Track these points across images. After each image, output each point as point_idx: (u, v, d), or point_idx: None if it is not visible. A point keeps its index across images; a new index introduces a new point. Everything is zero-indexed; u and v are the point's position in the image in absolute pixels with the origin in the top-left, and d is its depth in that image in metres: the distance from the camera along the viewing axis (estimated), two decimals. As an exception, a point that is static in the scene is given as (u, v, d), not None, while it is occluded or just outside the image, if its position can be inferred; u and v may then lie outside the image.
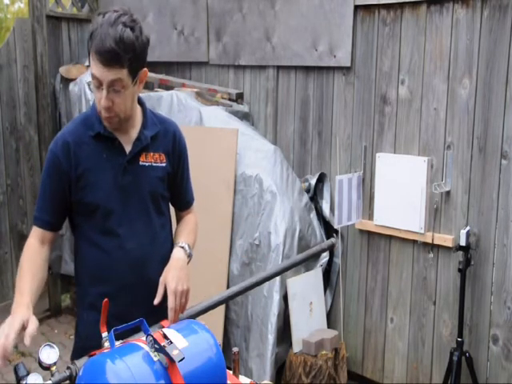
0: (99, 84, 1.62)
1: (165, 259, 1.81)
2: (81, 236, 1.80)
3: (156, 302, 1.65)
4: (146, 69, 1.71)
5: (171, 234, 1.94)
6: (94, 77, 1.63)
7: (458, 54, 2.91)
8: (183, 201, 2.02)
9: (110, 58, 1.57)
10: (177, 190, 1.95)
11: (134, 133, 1.78)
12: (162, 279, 1.69)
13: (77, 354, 1.64)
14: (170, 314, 1.65)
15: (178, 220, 2.03)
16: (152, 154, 1.81)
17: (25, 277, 1.68)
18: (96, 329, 1.47)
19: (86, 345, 1.50)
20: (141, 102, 1.83)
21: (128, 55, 1.59)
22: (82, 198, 1.73)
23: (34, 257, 1.72)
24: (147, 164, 1.79)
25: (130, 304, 1.74)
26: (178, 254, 1.78)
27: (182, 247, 1.80)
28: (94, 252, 1.77)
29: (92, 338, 1.49)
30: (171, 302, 1.65)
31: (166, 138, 1.86)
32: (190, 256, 1.82)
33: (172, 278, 1.68)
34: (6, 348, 1.46)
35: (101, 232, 1.76)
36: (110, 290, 1.73)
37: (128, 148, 1.76)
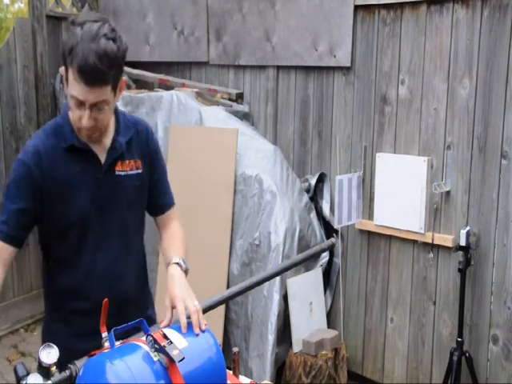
0: (80, 104, 1.50)
1: (139, 268, 1.78)
2: (52, 254, 1.69)
3: (162, 326, 1.51)
4: (124, 78, 1.63)
5: (143, 240, 1.84)
6: (73, 97, 1.50)
7: (457, 53, 2.91)
8: (158, 204, 1.85)
9: (95, 77, 1.45)
10: (152, 193, 1.81)
11: (108, 141, 1.66)
12: (167, 303, 1.56)
13: None
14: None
15: (160, 227, 1.87)
16: (128, 161, 1.70)
17: None
18: (64, 342, 1.41)
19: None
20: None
21: (112, 71, 1.48)
22: (55, 215, 1.61)
23: None
24: (123, 173, 1.68)
25: (110, 318, 1.60)
26: (175, 272, 1.64)
27: (177, 263, 1.67)
28: (66, 270, 1.66)
29: (61, 351, 1.38)
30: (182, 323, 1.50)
31: (140, 141, 1.75)
32: (186, 271, 1.68)
33: (178, 299, 1.54)
34: None
35: (75, 250, 1.65)
36: (82, 306, 1.66)
37: (103, 158, 1.65)
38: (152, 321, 1.80)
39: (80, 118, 1.53)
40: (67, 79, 1.51)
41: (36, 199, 1.58)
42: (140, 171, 1.73)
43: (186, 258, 1.75)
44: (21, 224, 1.59)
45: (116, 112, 1.71)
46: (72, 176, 1.61)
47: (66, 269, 1.66)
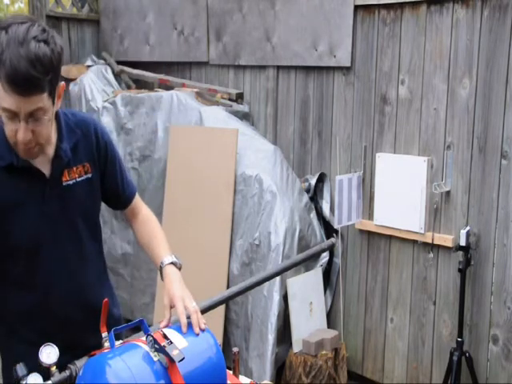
0: (13, 116, 1.34)
1: (99, 274, 1.73)
2: (3, 277, 1.57)
3: (162, 326, 1.50)
4: (63, 83, 1.44)
5: (101, 243, 1.77)
6: (5, 109, 1.33)
7: (457, 53, 2.91)
8: (122, 198, 1.79)
9: (27, 86, 1.29)
10: (112, 190, 1.73)
11: (51, 149, 1.52)
12: (166, 302, 1.56)
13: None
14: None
15: (130, 216, 1.83)
16: (75, 168, 1.58)
17: None
18: (25, 360, 1.36)
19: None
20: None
21: (48, 76, 1.32)
22: (2, 240, 1.50)
23: None
24: (71, 182, 1.57)
25: (67, 335, 1.58)
26: (172, 272, 1.62)
27: (172, 263, 1.63)
28: (21, 293, 1.57)
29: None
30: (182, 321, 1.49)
31: (88, 142, 1.62)
32: (180, 267, 1.65)
33: (178, 299, 1.53)
34: None
35: (28, 270, 1.55)
36: (43, 326, 1.59)
37: (47, 170, 1.52)
38: (117, 320, 1.77)
39: (15, 133, 1.37)
40: None
41: None
42: (90, 175, 1.62)
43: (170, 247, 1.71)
44: None
45: (57, 116, 1.55)
46: (15, 195, 1.49)
47: (22, 290, 1.57)
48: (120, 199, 1.79)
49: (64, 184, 1.56)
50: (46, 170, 1.52)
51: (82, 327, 1.61)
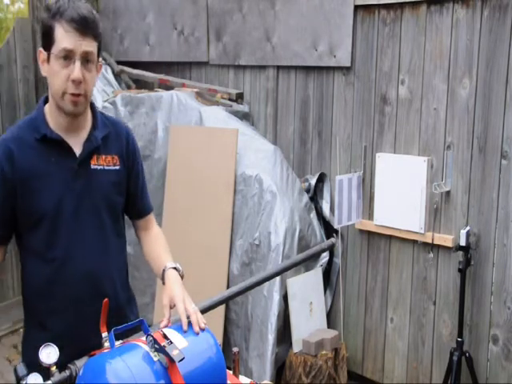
0: (71, 56, 1.53)
1: (119, 269, 1.75)
2: (25, 247, 1.67)
3: (162, 325, 1.51)
4: (100, 59, 1.68)
5: (125, 242, 1.84)
6: (64, 50, 1.53)
7: (457, 53, 2.91)
8: (138, 207, 1.86)
9: (86, 26, 1.53)
10: (131, 195, 1.81)
11: (84, 134, 1.67)
12: (165, 302, 1.58)
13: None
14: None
15: (140, 230, 1.89)
16: (104, 156, 1.69)
17: None
18: (34, 344, 1.38)
19: (33, 361, 1.39)
20: (91, 103, 1.72)
21: (98, 29, 1.58)
22: (28, 206, 1.60)
23: None
24: (99, 168, 1.67)
25: (79, 320, 1.64)
26: (173, 276, 1.66)
27: (175, 268, 1.69)
28: (39, 265, 1.63)
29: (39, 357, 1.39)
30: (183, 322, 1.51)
31: (119, 140, 1.75)
32: (182, 276, 1.69)
33: (179, 299, 1.56)
34: None
35: (47, 242, 1.62)
36: (57, 305, 1.63)
37: (78, 150, 1.64)
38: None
39: (67, 78, 1.54)
40: (51, 44, 1.54)
41: (10, 195, 1.59)
42: (118, 168, 1.72)
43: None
44: (1, 221, 1.62)
45: (93, 108, 1.72)
46: (46, 167, 1.60)
47: (39, 262, 1.63)
48: (136, 207, 1.85)
49: (92, 167, 1.66)
50: (77, 150, 1.64)
51: (91, 318, 1.60)
